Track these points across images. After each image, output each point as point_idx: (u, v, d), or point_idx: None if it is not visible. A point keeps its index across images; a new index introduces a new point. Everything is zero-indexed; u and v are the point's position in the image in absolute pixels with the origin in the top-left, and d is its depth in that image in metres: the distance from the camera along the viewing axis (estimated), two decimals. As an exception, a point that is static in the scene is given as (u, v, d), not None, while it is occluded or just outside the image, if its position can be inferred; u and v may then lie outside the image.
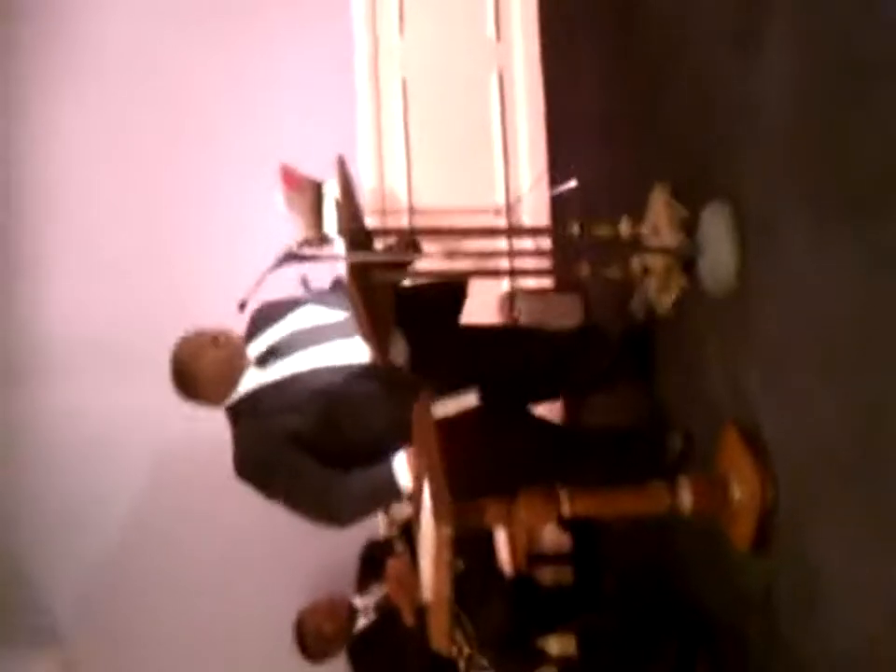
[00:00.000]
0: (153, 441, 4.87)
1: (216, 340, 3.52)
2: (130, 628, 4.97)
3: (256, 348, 3.58)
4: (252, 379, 3.52)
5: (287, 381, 3.49)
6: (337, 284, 3.81)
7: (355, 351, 3.53)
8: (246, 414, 3.50)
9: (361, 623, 4.32)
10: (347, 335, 3.53)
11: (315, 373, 3.49)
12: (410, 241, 3.75)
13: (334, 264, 3.54)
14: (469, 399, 2.96)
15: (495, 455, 2.91)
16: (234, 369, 3.52)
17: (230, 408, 3.55)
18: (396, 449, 3.30)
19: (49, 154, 5.12)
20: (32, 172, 5.11)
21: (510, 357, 3.72)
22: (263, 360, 3.54)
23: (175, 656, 4.95)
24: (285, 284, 3.56)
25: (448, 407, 2.73)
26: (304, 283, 3.74)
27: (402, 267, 3.55)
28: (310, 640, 4.39)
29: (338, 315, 3.61)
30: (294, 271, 3.46)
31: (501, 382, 3.57)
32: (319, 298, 3.71)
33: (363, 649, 4.24)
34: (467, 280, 3.74)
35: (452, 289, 3.74)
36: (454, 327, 3.75)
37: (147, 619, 4.98)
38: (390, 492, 3.39)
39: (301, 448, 3.40)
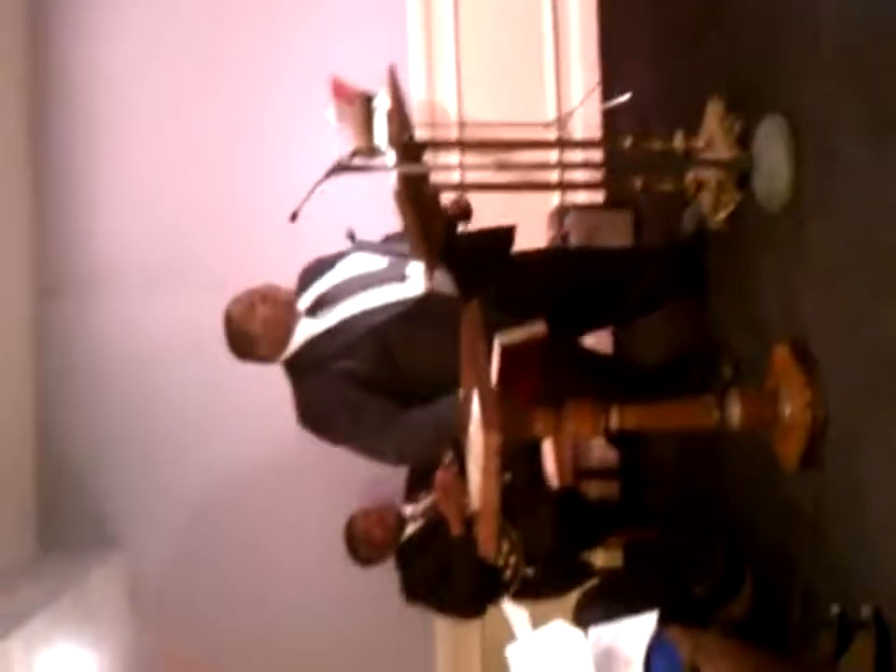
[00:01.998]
0: (208, 354, 4.90)
1: (264, 297, 3.53)
2: (188, 535, 5.10)
3: (306, 300, 3.59)
4: (305, 330, 3.54)
5: (339, 326, 3.51)
6: (386, 239, 3.80)
7: (404, 293, 3.54)
8: (303, 365, 3.53)
9: (409, 530, 4.38)
10: (395, 279, 3.55)
11: (365, 314, 3.50)
12: (464, 204, 3.73)
13: (384, 175, 3.51)
14: (537, 328, 2.93)
15: (552, 383, 2.90)
16: (286, 323, 3.52)
17: (286, 362, 3.57)
18: (456, 381, 3.20)
19: (101, 82, 5.16)
20: (89, 100, 5.15)
21: (561, 284, 3.70)
22: (314, 310, 3.56)
23: (232, 561, 5.09)
24: (334, 199, 3.56)
25: (514, 334, 2.71)
26: (351, 235, 3.74)
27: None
28: (359, 545, 4.47)
29: (384, 261, 3.62)
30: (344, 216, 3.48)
31: (554, 308, 3.56)
32: (365, 246, 3.70)
33: (411, 555, 4.30)
34: (514, 227, 3.71)
35: (500, 234, 3.71)
36: (502, 266, 3.73)
37: (205, 526, 5.10)
38: (453, 425, 3.37)
39: (361, 388, 3.41)
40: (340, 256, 3.68)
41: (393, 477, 4.54)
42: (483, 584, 4.01)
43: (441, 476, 4.01)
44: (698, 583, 3.45)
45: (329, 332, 3.51)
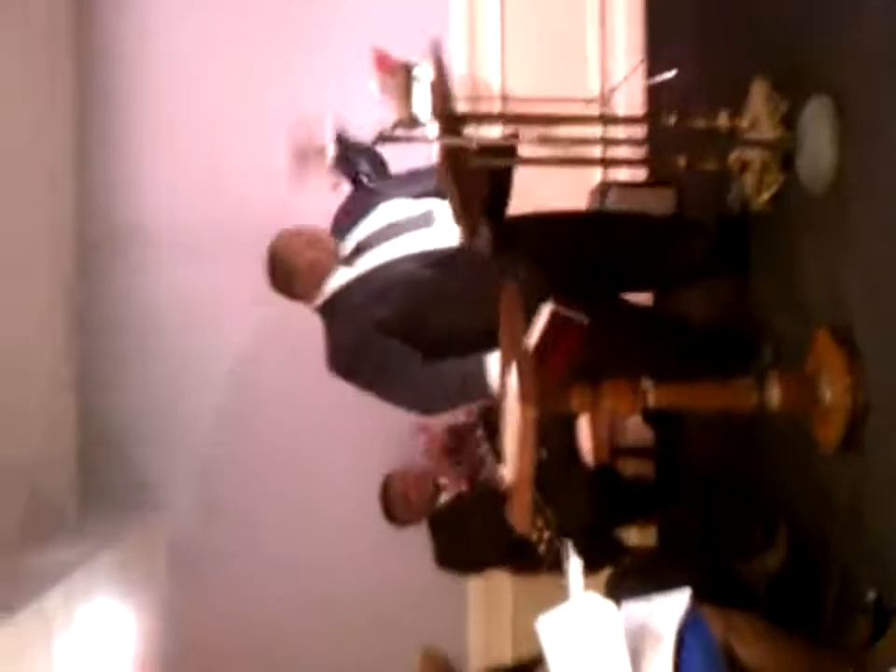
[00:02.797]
0: (246, 320, 4.99)
1: (311, 241, 3.62)
2: (227, 498, 5.15)
3: (345, 247, 3.64)
4: (340, 277, 3.59)
5: (370, 273, 3.55)
6: (413, 174, 3.79)
7: (437, 239, 3.56)
8: (335, 311, 3.59)
9: (442, 499, 4.39)
10: (423, 224, 3.59)
11: (397, 262, 3.53)
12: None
13: (427, 147, 3.51)
14: (582, 317, 2.96)
15: (595, 347, 2.92)
16: (326, 269, 3.59)
17: (320, 307, 3.63)
18: (487, 337, 3.18)
19: (147, 46, 5.17)
20: (135, 60, 5.17)
21: (598, 242, 3.68)
22: (350, 259, 3.61)
23: (267, 522, 5.13)
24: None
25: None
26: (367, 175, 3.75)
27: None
28: (394, 504, 4.49)
29: (421, 205, 3.63)
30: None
31: (590, 268, 3.55)
32: (401, 189, 3.70)
33: (440, 524, 4.30)
34: (509, 170, 3.62)
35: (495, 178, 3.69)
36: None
37: (243, 490, 5.14)
38: (480, 386, 3.41)
39: (390, 336, 3.45)
40: (371, 203, 3.69)
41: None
42: (507, 555, 4.01)
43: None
44: (734, 562, 3.43)
45: (359, 280, 3.56)
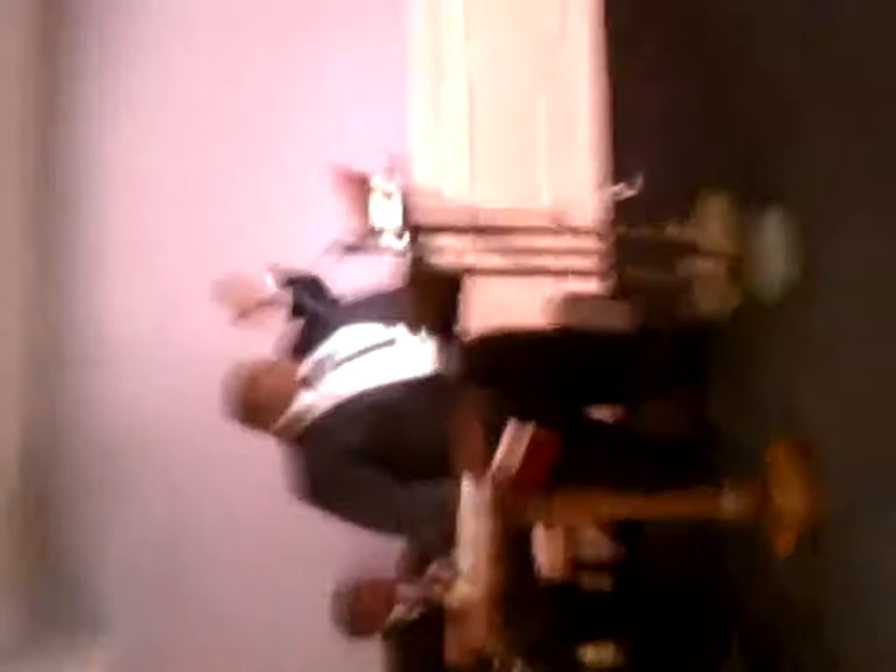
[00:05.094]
0: (197, 434, 4.88)
1: (268, 369, 3.58)
2: (167, 622, 4.99)
3: (303, 369, 3.62)
4: (303, 401, 3.55)
5: (340, 399, 3.52)
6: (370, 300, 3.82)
7: (402, 359, 3.56)
8: (301, 436, 3.53)
9: (399, 612, 4.27)
10: (384, 344, 3.58)
11: (366, 393, 3.51)
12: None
13: (386, 256, 3.53)
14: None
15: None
16: (288, 394, 3.53)
17: (281, 431, 3.56)
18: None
19: (114, 159, 5.20)
20: (93, 169, 5.20)
21: (562, 361, 3.69)
22: (311, 381, 3.57)
23: (210, 649, 4.99)
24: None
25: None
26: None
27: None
28: (347, 611, 4.36)
29: (383, 330, 3.63)
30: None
31: (555, 386, 3.55)
32: (357, 315, 3.72)
33: (397, 640, 4.19)
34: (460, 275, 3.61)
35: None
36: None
37: (188, 607, 5.01)
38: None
39: (364, 461, 3.40)
40: (328, 328, 3.69)
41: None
42: None
43: None
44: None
45: (327, 405, 3.51)
